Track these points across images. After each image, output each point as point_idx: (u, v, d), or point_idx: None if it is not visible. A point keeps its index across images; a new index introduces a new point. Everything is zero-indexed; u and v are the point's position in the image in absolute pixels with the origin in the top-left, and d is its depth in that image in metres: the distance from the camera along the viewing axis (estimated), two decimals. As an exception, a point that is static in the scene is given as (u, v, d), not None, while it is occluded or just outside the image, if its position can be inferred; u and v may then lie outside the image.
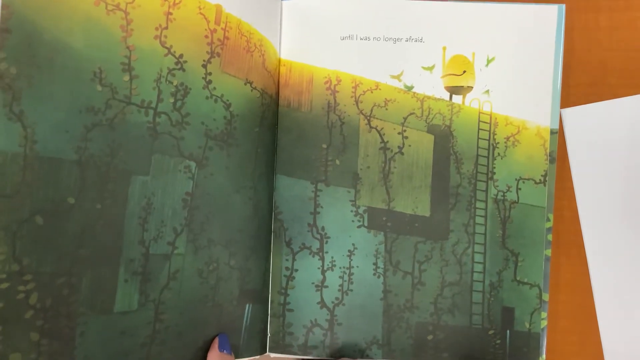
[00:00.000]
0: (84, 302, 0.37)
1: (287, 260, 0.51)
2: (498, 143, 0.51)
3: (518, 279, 0.50)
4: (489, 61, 0.51)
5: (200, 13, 0.43)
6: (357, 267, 0.50)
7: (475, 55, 0.51)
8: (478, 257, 0.50)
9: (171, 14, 0.41)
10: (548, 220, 0.50)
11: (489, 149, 0.51)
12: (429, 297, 0.50)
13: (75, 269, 0.36)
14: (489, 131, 0.51)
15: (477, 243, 0.50)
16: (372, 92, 0.51)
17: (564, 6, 0.50)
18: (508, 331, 0.50)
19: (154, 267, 0.41)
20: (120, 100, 0.38)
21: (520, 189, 0.51)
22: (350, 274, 0.50)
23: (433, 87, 0.51)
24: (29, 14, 0.34)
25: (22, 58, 0.34)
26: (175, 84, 0.42)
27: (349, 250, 0.51)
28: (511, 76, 0.51)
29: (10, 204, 0.33)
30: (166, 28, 0.41)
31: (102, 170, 0.37)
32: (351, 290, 0.50)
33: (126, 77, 0.39)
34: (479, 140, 0.51)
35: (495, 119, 0.51)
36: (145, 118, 0.40)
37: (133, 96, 0.39)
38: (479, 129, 0.51)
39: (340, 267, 0.50)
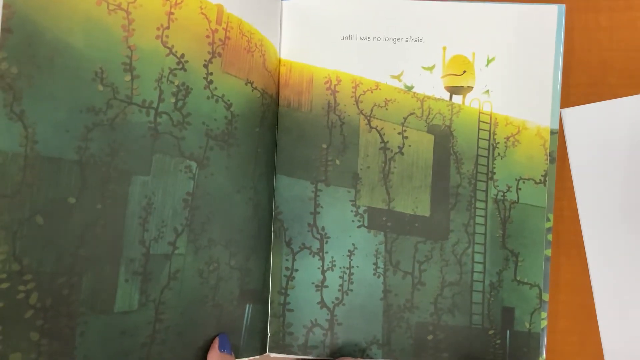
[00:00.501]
0: (84, 302, 0.37)
1: (287, 260, 0.51)
2: (498, 143, 0.51)
3: (518, 279, 0.50)
4: (489, 61, 0.51)
5: (202, 13, 0.43)
6: (357, 267, 0.51)
7: (475, 55, 0.51)
8: (478, 257, 0.50)
9: (172, 13, 0.41)
10: (548, 220, 0.50)
11: (489, 149, 0.51)
12: (429, 297, 0.50)
13: (75, 269, 0.36)
14: (489, 131, 0.51)
15: (477, 243, 0.50)
16: (372, 92, 0.51)
17: (564, 6, 0.50)
18: (508, 331, 0.50)
19: (155, 267, 0.41)
20: (122, 100, 0.38)
21: (520, 189, 0.51)
22: (351, 274, 0.51)
23: (433, 87, 0.51)
24: (30, 14, 0.34)
25: (23, 58, 0.34)
26: (176, 83, 0.41)
27: (349, 250, 0.51)
28: (511, 76, 0.51)
29: (11, 203, 0.33)
30: (167, 28, 0.41)
31: (103, 170, 0.37)
32: (351, 290, 0.50)
33: (127, 77, 0.39)
34: (479, 140, 0.51)
35: (495, 119, 0.51)
36: (146, 118, 0.40)
37: (134, 96, 0.39)
38: (479, 129, 0.51)
39: (340, 267, 0.51)
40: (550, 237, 0.50)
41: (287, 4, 0.51)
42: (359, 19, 0.51)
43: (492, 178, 0.51)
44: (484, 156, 0.51)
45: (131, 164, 0.39)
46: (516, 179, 0.51)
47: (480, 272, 0.50)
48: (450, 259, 0.50)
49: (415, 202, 0.51)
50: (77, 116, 0.36)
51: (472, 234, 0.50)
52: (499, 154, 0.51)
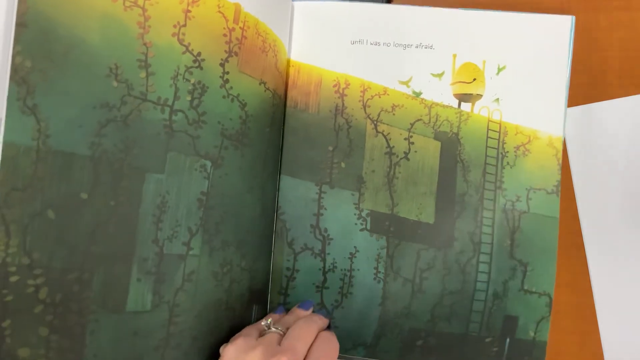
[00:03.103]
0: (94, 299, 0.36)
1: (288, 260, 0.51)
2: (507, 152, 0.51)
3: (525, 288, 0.50)
4: (499, 70, 0.51)
5: (220, 12, 0.43)
6: (358, 270, 0.51)
7: (485, 63, 0.51)
8: (483, 267, 0.50)
9: (190, 11, 0.41)
10: (554, 227, 0.51)
11: (497, 158, 0.51)
12: (427, 305, 0.50)
13: (86, 265, 0.36)
14: (498, 140, 0.51)
15: (483, 252, 0.50)
16: (380, 97, 0.51)
17: (574, 18, 0.50)
18: (508, 339, 0.50)
19: (169, 267, 0.40)
20: (136, 97, 0.38)
21: (530, 199, 0.51)
22: (351, 277, 0.50)
23: (442, 94, 0.51)
24: (45, 9, 0.34)
25: (37, 52, 0.33)
26: (192, 82, 0.41)
27: (351, 253, 0.51)
28: (522, 85, 0.51)
29: (22, 197, 0.33)
30: (184, 25, 0.41)
31: (116, 167, 0.37)
32: (351, 294, 0.50)
33: (142, 74, 0.38)
34: (488, 148, 0.51)
35: (505, 127, 0.51)
36: (161, 115, 0.39)
37: (149, 93, 0.39)
38: (487, 137, 0.51)
39: (341, 269, 0.51)
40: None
41: (299, 5, 0.51)
42: (369, 24, 0.51)
43: (500, 187, 0.51)
44: (492, 165, 0.51)
45: (145, 161, 0.39)
46: (526, 189, 0.50)
47: (484, 282, 0.50)
48: (453, 267, 0.50)
49: (419, 208, 0.51)
50: (91, 111, 0.36)
51: (478, 243, 0.50)
52: (507, 163, 0.51)
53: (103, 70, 0.37)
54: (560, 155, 0.51)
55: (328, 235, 0.51)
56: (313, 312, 0.49)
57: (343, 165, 0.51)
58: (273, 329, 0.42)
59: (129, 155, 0.38)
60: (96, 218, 0.36)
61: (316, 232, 0.51)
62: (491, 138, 0.51)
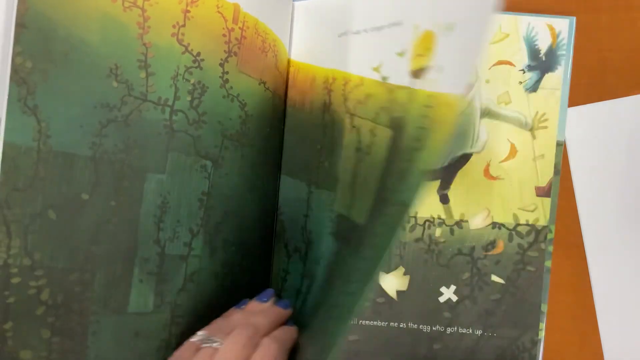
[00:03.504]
0: (96, 300, 0.36)
1: (284, 262, 0.50)
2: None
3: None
4: (447, 28, 0.39)
5: (219, 12, 0.43)
6: (314, 277, 0.47)
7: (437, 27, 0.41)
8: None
9: (189, 11, 0.41)
10: (550, 232, 0.50)
11: (420, 139, 0.40)
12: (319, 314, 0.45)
13: (88, 266, 0.36)
14: (427, 116, 0.40)
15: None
16: (358, 88, 0.47)
17: (574, 19, 0.50)
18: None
19: (170, 268, 0.40)
20: (136, 97, 0.38)
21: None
22: (309, 285, 0.48)
23: (401, 74, 0.43)
24: (45, 10, 0.34)
25: (37, 53, 0.33)
26: (192, 82, 0.41)
27: (319, 259, 0.48)
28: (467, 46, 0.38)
29: (23, 197, 0.33)
30: (184, 26, 0.41)
31: (117, 167, 0.37)
32: (305, 300, 0.48)
33: (142, 74, 0.38)
34: (418, 129, 0.40)
35: (439, 98, 0.39)
36: (161, 115, 0.40)
37: (149, 93, 0.39)
38: (420, 115, 0.40)
39: (309, 276, 0.48)
40: (551, 248, 0.50)
41: (299, 4, 0.51)
42: (352, 13, 0.48)
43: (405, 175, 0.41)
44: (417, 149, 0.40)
45: (146, 161, 0.39)
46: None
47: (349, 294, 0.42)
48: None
49: (360, 209, 0.45)
50: (92, 112, 0.36)
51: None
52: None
53: (103, 71, 0.37)
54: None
55: (311, 238, 0.49)
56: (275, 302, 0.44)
57: (326, 164, 0.49)
58: (211, 343, 0.37)
59: (129, 156, 0.38)
60: (97, 218, 0.36)
61: (304, 235, 0.49)
62: (424, 116, 0.40)
